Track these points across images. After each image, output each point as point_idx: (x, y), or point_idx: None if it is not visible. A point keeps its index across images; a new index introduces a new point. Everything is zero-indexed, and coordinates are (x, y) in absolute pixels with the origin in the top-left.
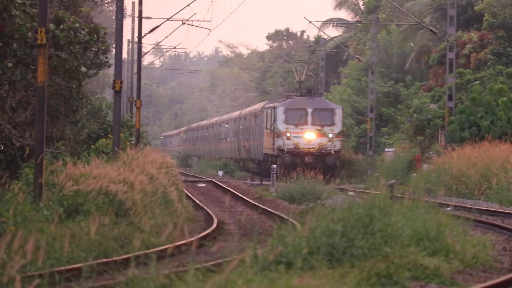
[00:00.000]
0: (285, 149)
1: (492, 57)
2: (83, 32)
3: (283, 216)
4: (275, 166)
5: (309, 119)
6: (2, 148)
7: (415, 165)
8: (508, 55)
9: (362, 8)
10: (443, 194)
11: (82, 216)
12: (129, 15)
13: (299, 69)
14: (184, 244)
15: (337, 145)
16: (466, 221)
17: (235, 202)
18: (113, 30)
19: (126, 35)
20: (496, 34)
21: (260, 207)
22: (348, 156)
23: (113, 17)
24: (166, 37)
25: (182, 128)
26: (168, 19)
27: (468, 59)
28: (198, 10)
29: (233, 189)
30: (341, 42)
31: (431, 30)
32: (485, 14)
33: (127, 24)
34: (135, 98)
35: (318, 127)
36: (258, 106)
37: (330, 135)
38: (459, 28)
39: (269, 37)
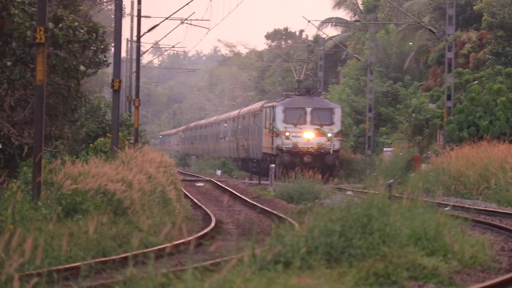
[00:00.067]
0: (284, 149)
1: (491, 57)
2: (82, 31)
3: (282, 215)
4: (273, 165)
5: (308, 118)
6: (0, 147)
7: (414, 165)
8: (507, 55)
9: (361, 7)
10: (442, 194)
11: (81, 215)
12: (128, 14)
13: (298, 68)
14: (182, 243)
15: (336, 144)
16: (464, 221)
17: (234, 201)
18: (112, 29)
19: (125, 34)
20: (495, 34)
21: (258, 206)
22: (347, 156)
23: (112, 16)
24: (165, 36)
25: (181, 127)
26: (167, 18)
27: (467, 58)
28: (197, 9)
29: (231, 189)
30: (339, 41)
31: (430, 30)
32: (484, 14)
33: (126, 23)
34: (133, 97)
35: (317, 127)
36: (257, 105)
37: (329, 135)
38: (458, 28)
39: (268, 37)
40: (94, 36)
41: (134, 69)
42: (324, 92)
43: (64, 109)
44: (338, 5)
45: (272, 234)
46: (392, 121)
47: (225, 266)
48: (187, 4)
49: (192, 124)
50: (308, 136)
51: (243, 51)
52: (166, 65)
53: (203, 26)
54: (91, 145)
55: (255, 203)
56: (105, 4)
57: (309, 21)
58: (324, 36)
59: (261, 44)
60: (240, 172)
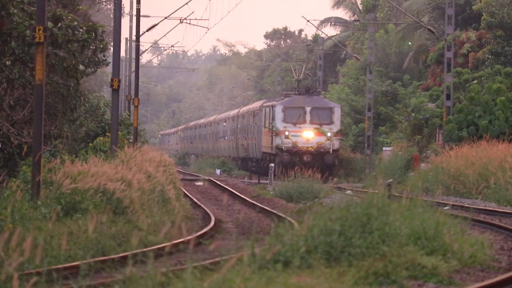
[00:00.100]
0: (283, 148)
1: (490, 56)
2: (81, 30)
3: (281, 215)
4: (273, 164)
5: (308, 117)
6: (0, 146)
7: (413, 164)
8: (506, 54)
9: (360, 7)
10: (441, 193)
11: (80, 214)
12: (127, 14)
13: (298, 68)
14: (182, 242)
15: (336, 144)
16: (464, 220)
17: (233, 200)
18: (111, 29)
19: (124, 33)
20: (494, 34)
21: (257, 205)
22: (346, 155)
23: (111, 16)
24: (164, 35)
25: (180, 127)
26: (166, 18)
27: (466, 58)
28: (196, 9)
29: (231, 188)
30: (339, 41)
31: (429, 29)
32: (483, 14)
33: (125, 22)
34: (133, 97)
35: (317, 126)
36: (256, 104)
37: (329, 134)
38: (457, 27)
39: (267, 36)
40: (93, 35)
41: (133, 68)
42: (323, 92)
43: (64, 108)
44: (337, 4)
45: (272, 233)
46: (391, 120)
47: (225, 265)
48: (186, 3)
49: (192, 123)
50: (307, 136)
51: (242, 50)
52: (165, 64)
53: (202, 25)
54: (90, 144)
55: (254, 202)
56: (104, 3)
57: (308, 21)
58: (323, 35)
59: (260, 44)
60: (240, 171)
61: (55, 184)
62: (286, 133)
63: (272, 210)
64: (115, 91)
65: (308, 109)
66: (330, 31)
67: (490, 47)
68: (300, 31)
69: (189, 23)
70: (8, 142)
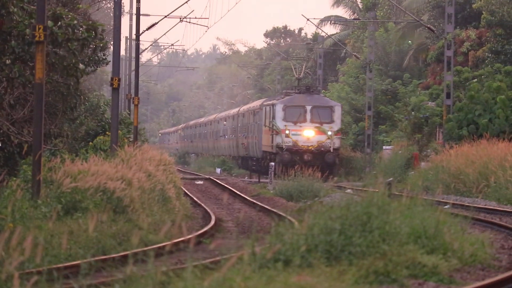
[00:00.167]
0: (284, 147)
1: (490, 55)
2: (81, 29)
3: (281, 213)
4: (273, 163)
5: (308, 116)
6: (0, 145)
7: (413, 163)
8: (506, 53)
9: (360, 5)
10: (441, 192)
11: (80, 213)
12: (127, 12)
13: (298, 66)
14: (182, 241)
15: (336, 142)
16: (464, 219)
17: (233, 199)
18: (111, 27)
19: (124, 32)
20: (494, 32)
21: (258, 204)
22: (346, 154)
23: (111, 14)
24: (164, 34)
25: (180, 126)
26: (166, 16)
27: (466, 57)
28: (195, 8)
29: (231, 187)
30: (338, 39)
31: (429, 28)
32: (483, 12)
33: (125, 21)
34: (133, 95)
35: (317, 125)
36: (256, 103)
37: (329, 133)
38: (457, 26)
39: (266, 35)
40: (93, 34)
41: (133, 67)
42: (323, 90)
43: (64, 107)
44: (337, 3)
45: (272, 232)
46: (391, 119)
47: (225, 264)
48: (186, 2)
49: (192, 122)
50: (308, 134)
51: (242, 49)
52: (165, 63)
53: (202, 24)
54: (90, 143)
55: (254, 201)
56: (104, 2)
57: (308, 19)
58: (323, 34)
59: (260, 42)
60: (240, 170)
61: (55, 183)
62: (287, 132)
63: (272, 209)
64: (115, 90)
65: (308, 107)
66: (330, 29)
67: (490, 46)
68: (300, 29)
69: (189, 22)
70: (8, 141)
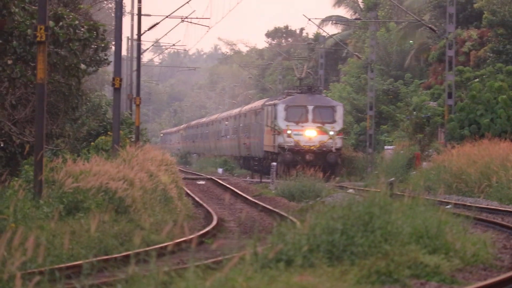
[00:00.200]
0: (285, 147)
1: (491, 54)
2: (82, 29)
3: (283, 213)
4: (275, 163)
5: (310, 116)
6: (2, 145)
7: (415, 163)
8: (507, 52)
9: (361, 5)
10: (443, 192)
11: (82, 213)
12: (128, 13)
13: (299, 66)
14: (184, 241)
15: (338, 142)
16: (466, 219)
17: (235, 199)
18: (113, 28)
19: (126, 32)
20: (496, 32)
21: (260, 204)
22: (348, 154)
23: (113, 14)
24: (166, 34)
25: (182, 126)
26: (167, 17)
27: (468, 56)
28: (197, 8)
29: (233, 187)
30: (340, 39)
31: (430, 28)
32: (485, 12)
33: (126, 21)
34: (134, 96)
35: (319, 125)
36: (258, 103)
37: (331, 133)
38: (459, 26)
39: (268, 35)
40: (95, 34)
41: (134, 67)
42: (324, 90)
43: (65, 108)
44: (338, 3)
45: (274, 232)
46: (393, 119)
47: (227, 265)
48: (188, 2)
49: (193, 122)
50: (310, 134)
51: (244, 49)
52: (166, 63)
53: (204, 24)
54: (92, 143)
55: (256, 201)
56: (105, 2)
57: (309, 19)
58: (324, 34)
59: (262, 42)
60: (242, 170)
61: (57, 183)
62: (289, 131)
63: (274, 209)
64: (117, 90)
65: (310, 107)
66: (331, 29)
67: (491, 46)
68: (302, 29)
69: (191, 22)
70: (10, 141)
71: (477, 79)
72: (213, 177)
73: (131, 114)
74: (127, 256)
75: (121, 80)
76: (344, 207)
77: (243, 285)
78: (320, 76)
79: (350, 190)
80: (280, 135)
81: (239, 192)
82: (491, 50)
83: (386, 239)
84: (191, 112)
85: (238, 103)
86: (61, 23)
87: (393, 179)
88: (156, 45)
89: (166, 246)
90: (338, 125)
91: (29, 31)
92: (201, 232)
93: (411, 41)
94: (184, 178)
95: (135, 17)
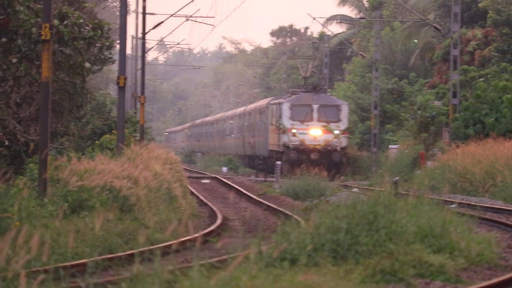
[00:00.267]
0: (290, 146)
1: (496, 54)
2: (87, 28)
3: (288, 212)
4: (279, 162)
5: (315, 115)
6: (6, 144)
7: (419, 162)
8: None
9: (366, 4)
10: (448, 191)
11: (87, 212)
12: (133, 11)
13: (304, 65)
14: (189, 240)
15: (343, 141)
16: (470, 218)
17: (239, 198)
18: (117, 26)
19: (130, 31)
20: (501, 31)
21: (264, 203)
22: (352, 153)
23: (117, 13)
24: (170, 33)
25: (186, 124)
26: (172, 15)
27: (472, 56)
28: (202, 6)
29: (237, 186)
30: (345, 38)
31: (435, 27)
32: (489, 11)
33: (131, 20)
34: (139, 94)
35: (324, 124)
36: (263, 102)
37: (336, 132)
38: (463, 25)
39: (272, 34)
40: (99, 33)
41: (139, 66)
42: (329, 89)
43: (70, 106)
44: (343, 2)
45: (278, 231)
46: (397, 118)
47: (232, 263)
48: (192, 1)
49: (198, 121)
50: (315, 133)
51: (248, 48)
52: (171, 62)
53: (208, 23)
54: (96, 142)
55: (261, 200)
56: (110, 1)
57: (314, 18)
58: (329, 33)
59: (266, 41)
60: (246, 169)
61: (61, 181)
62: (293, 130)
63: (279, 208)
64: (121, 89)
65: (315, 106)
66: (336, 28)
67: (496, 45)
68: (306, 28)
69: (195, 21)
70: (14, 140)
71: (482, 79)
72: (217, 176)
73: (135, 113)
74: (132, 255)
75: (125, 78)
76: (349, 206)
77: (248, 284)
78: (325, 75)
79: (355, 189)
80: (285, 134)
81: (244, 191)
82: (496, 49)
83: (390, 238)
84: (196, 110)
85: (243, 102)
86: (65, 22)
87: (397, 178)
88: (161, 43)
89: (170, 245)
90: (343, 124)
91: (34, 29)
92: (206, 231)
93: (415, 40)
94: (189, 177)
95: (140, 16)
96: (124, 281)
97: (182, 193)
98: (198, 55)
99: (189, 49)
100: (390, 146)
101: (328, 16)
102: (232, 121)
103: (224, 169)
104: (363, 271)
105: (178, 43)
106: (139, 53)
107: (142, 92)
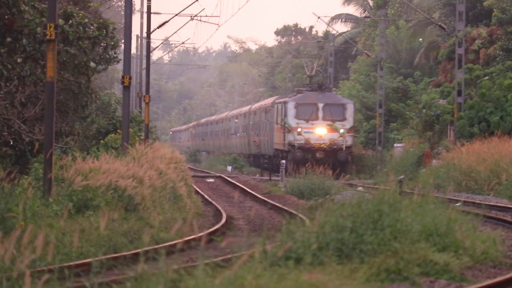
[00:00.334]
0: (296, 145)
1: (501, 52)
2: (92, 27)
3: (292, 211)
4: (284, 161)
5: (320, 114)
6: (11, 143)
7: (424, 160)
8: None
9: (371, 3)
10: (452, 189)
11: (92, 211)
12: (137, 11)
13: (309, 64)
14: (193, 239)
15: (349, 140)
16: (475, 216)
17: (244, 197)
18: (122, 26)
19: (135, 30)
20: (505, 30)
21: (269, 202)
22: (357, 152)
23: (122, 13)
24: (175, 32)
25: (191, 123)
26: (176, 15)
27: (477, 54)
28: (206, 6)
29: (242, 185)
30: (349, 37)
31: (440, 26)
32: (494, 10)
33: (135, 19)
34: (144, 93)
35: (329, 122)
36: (268, 101)
37: (342, 131)
38: (468, 24)
39: (277, 33)
40: (104, 32)
41: (144, 65)
42: (334, 88)
43: (75, 106)
44: (348, 1)
45: (283, 230)
46: (402, 117)
47: (236, 262)
48: (197, 0)
49: (203, 120)
50: (320, 132)
51: (253, 47)
52: (176, 61)
53: (213, 22)
54: (101, 141)
55: (265, 199)
56: (115, 0)
57: (319, 17)
58: (334, 32)
59: (271, 40)
60: (251, 168)
61: (66, 181)
62: (299, 129)
63: (284, 207)
64: (126, 88)
65: (320, 105)
66: (340, 27)
67: (501, 44)
68: (311, 27)
69: (200, 20)
70: (19, 139)
71: (487, 77)
72: (222, 175)
73: (140, 112)
74: (137, 254)
75: (130, 78)
76: (354, 205)
77: (252, 283)
78: (330, 74)
79: (360, 188)
80: (290, 132)
81: (249, 190)
82: (501, 48)
83: (395, 237)
84: (201, 110)
85: (248, 101)
86: (70, 21)
87: (402, 177)
88: (166, 43)
89: (175, 244)
90: (349, 123)
91: (38, 29)
92: (210, 230)
93: (420, 39)
94: (194, 176)
95: (145, 15)
96: (129, 280)
97: (187, 192)
98: (203, 54)
99: (194, 48)
100: (395, 145)
101: (333, 15)
102: (237, 120)
103: (229, 168)
104: (368, 270)
105: (183, 43)
106: (144, 53)
107: (147, 92)
